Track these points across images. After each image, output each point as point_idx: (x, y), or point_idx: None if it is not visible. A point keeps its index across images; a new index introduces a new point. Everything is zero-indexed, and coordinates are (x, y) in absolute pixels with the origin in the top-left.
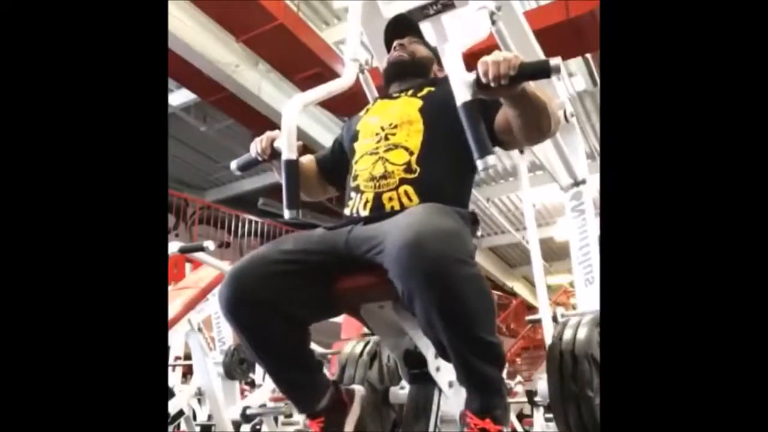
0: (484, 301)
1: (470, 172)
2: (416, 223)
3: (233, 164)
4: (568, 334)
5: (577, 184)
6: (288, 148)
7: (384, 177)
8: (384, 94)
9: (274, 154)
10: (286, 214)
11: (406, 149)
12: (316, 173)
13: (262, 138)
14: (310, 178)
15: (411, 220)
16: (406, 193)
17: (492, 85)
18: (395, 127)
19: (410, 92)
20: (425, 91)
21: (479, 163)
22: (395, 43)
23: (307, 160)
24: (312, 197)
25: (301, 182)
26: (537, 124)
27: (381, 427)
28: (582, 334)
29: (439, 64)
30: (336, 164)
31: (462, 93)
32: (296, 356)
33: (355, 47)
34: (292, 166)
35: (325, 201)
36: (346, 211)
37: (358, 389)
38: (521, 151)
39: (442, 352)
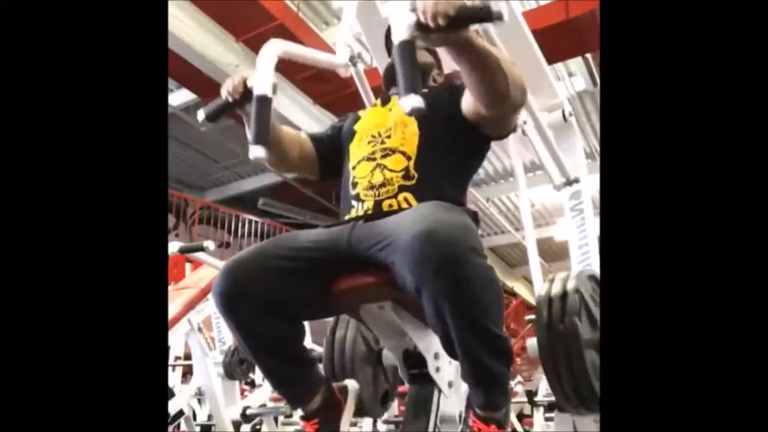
0: (495, 292)
1: (467, 171)
2: (426, 215)
3: (200, 113)
4: (557, 284)
5: (570, 183)
6: (262, 83)
7: (383, 185)
8: (383, 96)
9: (247, 94)
10: (252, 151)
11: (404, 154)
12: (302, 142)
13: (233, 77)
14: (293, 143)
15: (420, 213)
16: (406, 200)
17: (430, 24)
18: (390, 129)
19: None
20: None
21: (403, 102)
22: None
23: (298, 132)
24: (284, 166)
25: (286, 147)
26: (491, 84)
27: (374, 390)
28: (572, 283)
29: (440, 69)
30: (332, 146)
31: (400, 33)
32: (289, 352)
33: (347, 34)
34: (265, 103)
35: (325, 201)
36: (347, 219)
37: (352, 385)
38: (499, 132)
39: (447, 347)
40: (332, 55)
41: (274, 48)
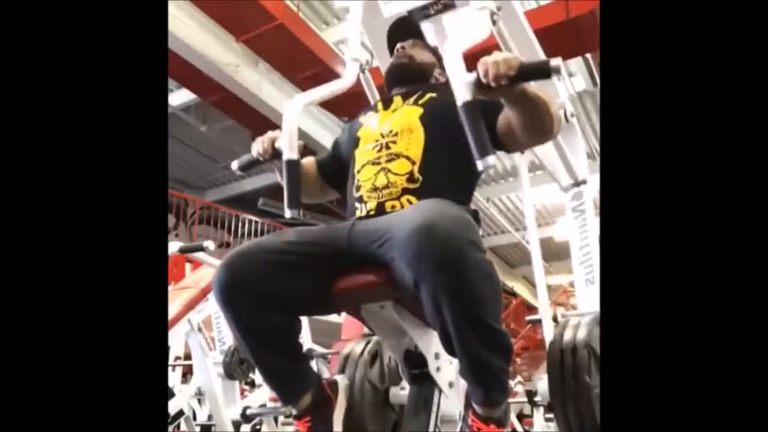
0: (494, 287)
1: (471, 177)
2: (426, 210)
3: (234, 164)
4: (568, 333)
5: (577, 184)
6: (289, 148)
7: (386, 187)
8: (385, 97)
9: (275, 154)
10: (287, 213)
11: (408, 158)
12: (316, 175)
13: (263, 138)
14: (310, 180)
15: (419, 208)
16: (409, 201)
17: (492, 85)
18: (395, 135)
19: (411, 100)
20: (426, 97)
21: (479, 164)
22: (397, 46)
23: (308, 162)
24: (311, 200)
25: (308, 189)
26: (538, 125)
27: (382, 427)
28: (582, 333)
29: (441, 68)
30: (336, 167)
31: (462, 93)
32: (284, 346)
33: (355, 47)
34: (293, 166)
35: (325, 202)
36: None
37: (341, 379)
38: (522, 151)
39: (446, 343)
40: (343, 79)
41: (297, 105)
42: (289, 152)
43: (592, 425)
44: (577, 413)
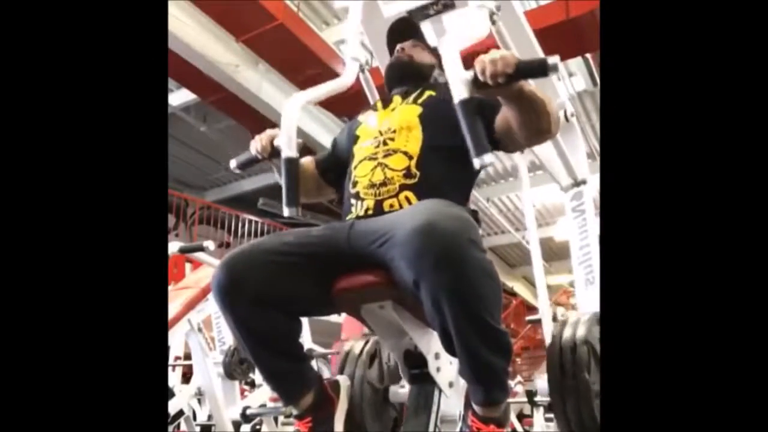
0: (494, 286)
1: (470, 175)
2: (426, 210)
3: (233, 162)
4: (568, 331)
5: (577, 184)
6: (288, 146)
7: (384, 184)
8: (385, 97)
9: (274, 152)
10: (286, 211)
11: (405, 154)
12: (315, 175)
13: (261, 136)
14: (309, 179)
15: (419, 208)
16: (407, 198)
17: (489, 83)
18: (394, 131)
19: (410, 99)
20: (425, 96)
21: (476, 161)
22: (397, 46)
23: (307, 160)
24: (310, 198)
25: (305, 188)
26: (537, 124)
27: (382, 426)
28: (581, 330)
29: (441, 68)
30: (335, 166)
31: (459, 91)
32: (284, 347)
33: (355, 46)
34: (292, 164)
35: (325, 201)
36: (348, 219)
37: (343, 380)
38: (521, 151)
39: (446, 342)
40: (342, 78)
41: (296, 103)
42: (288, 150)
43: (591, 423)
44: (576, 410)
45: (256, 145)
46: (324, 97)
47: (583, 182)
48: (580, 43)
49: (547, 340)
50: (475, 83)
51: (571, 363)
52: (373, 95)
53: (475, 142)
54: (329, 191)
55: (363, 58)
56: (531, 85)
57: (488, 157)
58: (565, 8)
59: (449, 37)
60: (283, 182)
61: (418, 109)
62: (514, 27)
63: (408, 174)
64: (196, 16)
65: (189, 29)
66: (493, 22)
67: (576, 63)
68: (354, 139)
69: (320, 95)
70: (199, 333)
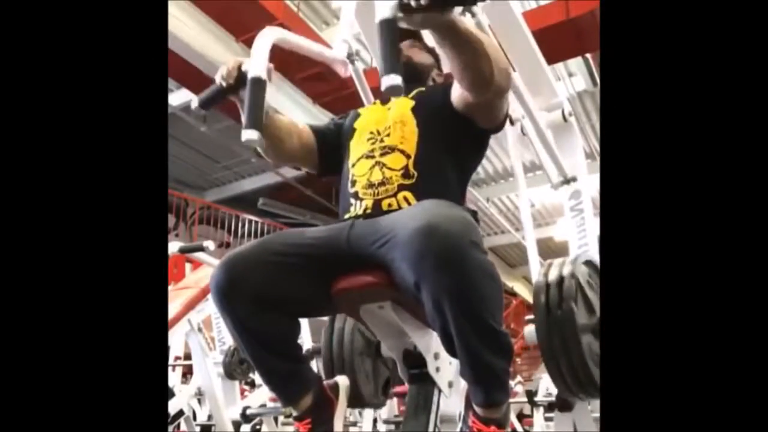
0: (495, 287)
1: (466, 171)
2: (427, 210)
3: (194, 101)
4: (554, 271)
5: (567, 181)
6: (257, 66)
7: (382, 183)
8: (383, 97)
9: (241, 79)
10: (245, 134)
11: (403, 152)
12: (310, 137)
13: (228, 61)
14: (294, 134)
15: (419, 209)
16: (405, 198)
17: (412, 4)
18: (389, 127)
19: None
20: (416, 90)
21: (382, 81)
22: None
23: (297, 122)
24: (289, 159)
25: (283, 135)
26: (476, 67)
27: (374, 382)
28: (568, 268)
29: (440, 69)
30: (332, 141)
31: (382, 11)
32: (283, 347)
33: (346, 32)
34: (260, 85)
35: (325, 201)
36: (346, 218)
37: (343, 382)
38: (485, 120)
39: (447, 344)
40: (329, 48)
41: (270, 34)
42: (257, 70)
43: (580, 362)
44: (565, 348)
45: (222, 71)
46: (305, 50)
47: (573, 179)
48: (580, 43)
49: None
50: (401, 6)
51: (557, 296)
52: (363, 87)
53: (386, 61)
54: (309, 157)
55: (354, 47)
56: (466, 23)
57: (395, 79)
58: (565, 8)
59: None
60: (246, 104)
61: (410, 103)
62: (513, 27)
63: (406, 174)
64: (196, 16)
65: (189, 29)
66: (473, 14)
67: (576, 63)
68: (352, 131)
69: (301, 44)
70: (199, 333)
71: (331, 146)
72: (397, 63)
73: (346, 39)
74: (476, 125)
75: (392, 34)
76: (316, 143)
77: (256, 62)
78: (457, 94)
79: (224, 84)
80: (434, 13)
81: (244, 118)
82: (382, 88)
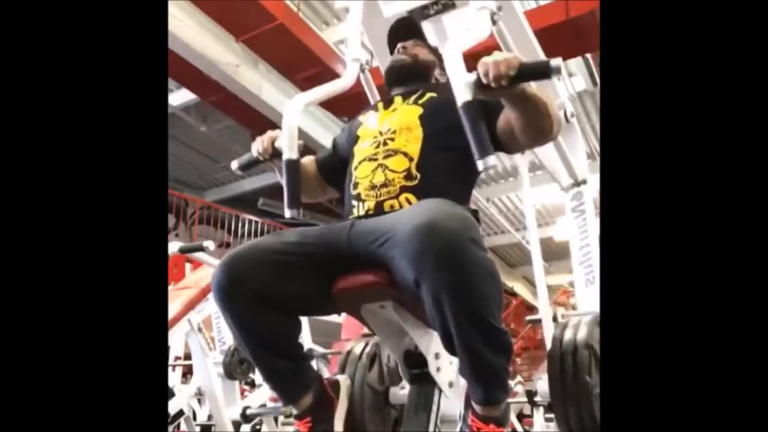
0: (495, 285)
1: (470, 176)
2: (427, 209)
3: (234, 164)
4: (568, 333)
5: (578, 184)
6: (289, 148)
7: (385, 185)
8: (385, 97)
9: (275, 153)
10: (287, 213)
11: (406, 155)
12: (316, 174)
13: (263, 138)
14: (310, 178)
15: (419, 207)
16: (407, 200)
17: (492, 85)
18: (394, 132)
19: (411, 100)
20: (426, 97)
21: (480, 164)
22: (398, 45)
23: (308, 160)
24: (311, 198)
25: (307, 187)
26: (538, 125)
27: (383, 427)
28: (582, 332)
29: (442, 68)
30: (335, 165)
31: (462, 93)
32: (284, 346)
33: (356, 47)
34: (293, 166)
35: (325, 201)
36: (348, 219)
37: (343, 380)
38: (522, 152)
39: (446, 342)
40: (343, 78)
41: (297, 105)
42: (289, 152)
43: (592, 425)
44: (577, 414)
45: (258, 147)
46: (325, 98)
47: (584, 182)
48: (580, 43)
49: (548, 342)
50: (478, 85)
51: (572, 366)
52: (373, 95)
53: (479, 144)
54: (330, 190)
55: (363, 59)
56: (533, 86)
57: (491, 160)
58: (565, 8)
59: (451, 39)
60: (284, 184)
61: (419, 110)
62: (514, 27)
63: (408, 176)
64: (196, 16)
65: (189, 29)
66: (494, 23)
67: (576, 63)
68: (354, 139)
69: (321, 96)
70: (199, 333)
71: (337, 171)
72: (489, 143)
73: (358, 57)
74: (497, 147)
75: (476, 115)
76: (325, 178)
77: (288, 145)
78: (509, 132)
79: (261, 158)
80: (510, 89)
81: (286, 198)
82: (481, 168)
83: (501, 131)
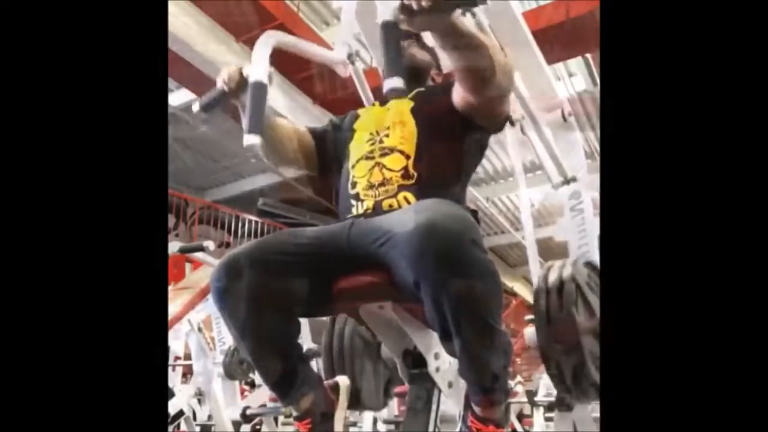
0: (495, 286)
1: (465, 171)
2: (427, 209)
3: (195, 104)
4: (553, 274)
5: (567, 182)
6: (258, 70)
7: (383, 184)
8: (381, 97)
9: (243, 83)
10: (246, 139)
11: (402, 153)
12: (309, 140)
13: (229, 66)
14: (297, 140)
15: (419, 207)
16: (405, 199)
17: (414, 6)
18: (388, 128)
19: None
20: (415, 91)
21: (385, 84)
22: None
23: (297, 125)
24: (289, 162)
25: (283, 139)
26: (477, 68)
27: (375, 383)
28: (568, 270)
29: (438, 68)
30: (331, 143)
31: (384, 14)
32: (283, 347)
33: (346, 33)
34: (261, 89)
35: (325, 201)
36: (347, 218)
37: (343, 382)
38: (487, 123)
39: (446, 343)
40: (329, 50)
41: (270, 38)
42: (258, 74)
43: (581, 364)
44: (565, 351)
45: (223, 74)
46: (305, 52)
47: (573, 179)
48: (580, 43)
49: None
50: (403, 9)
51: (557, 301)
52: (364, 89)
53: (387, 64)
54: (308, 159)
55: (354, 47)
56: (467, 25)
57: (395, 81)
58: (565, 8)
59: None
60: (247, 107)
61: (409, 103)
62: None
63: (406, 174)
64: (196, 16)
65: (189, 29)
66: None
67: (576, 63)
68: (351, 133)
69: (302, 47)
70: (199, 333)
71: (329, 148)
72: (399, 66)
73: (347, 41)
74: (476, 125)
75: (394, 36)
76: (315, 146)
77: (257, 66)
78: (459, 94)
79: (226, 88)
80: (435, 15)
81: (245, 123)
82: (385, 91)
83: (455, 98)
